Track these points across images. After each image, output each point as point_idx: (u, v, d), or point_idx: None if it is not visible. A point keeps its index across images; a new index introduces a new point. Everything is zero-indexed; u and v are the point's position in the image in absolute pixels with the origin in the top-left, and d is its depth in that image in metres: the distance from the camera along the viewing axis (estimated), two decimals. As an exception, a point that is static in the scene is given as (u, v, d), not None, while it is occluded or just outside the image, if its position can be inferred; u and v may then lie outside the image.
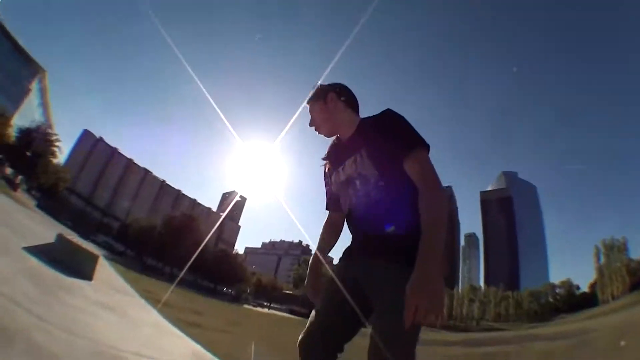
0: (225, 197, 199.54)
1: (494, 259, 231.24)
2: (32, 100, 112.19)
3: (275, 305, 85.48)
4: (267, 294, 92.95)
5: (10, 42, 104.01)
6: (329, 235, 2.37)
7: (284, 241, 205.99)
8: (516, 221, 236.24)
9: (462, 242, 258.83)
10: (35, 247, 8.90)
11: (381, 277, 1.81)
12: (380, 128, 1.92)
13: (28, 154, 53.95)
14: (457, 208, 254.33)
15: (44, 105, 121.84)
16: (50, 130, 65.63)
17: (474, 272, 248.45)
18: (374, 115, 2.03)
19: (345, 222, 2.23)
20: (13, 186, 43.43)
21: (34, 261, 6.90)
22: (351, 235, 2.15)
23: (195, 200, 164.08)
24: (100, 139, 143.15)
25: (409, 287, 1.52)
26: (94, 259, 9.70)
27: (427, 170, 1.79)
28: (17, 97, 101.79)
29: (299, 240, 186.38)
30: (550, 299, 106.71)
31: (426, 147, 1.83)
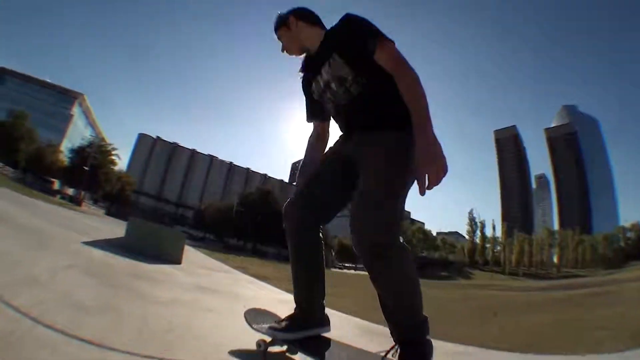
0: (296, 167, 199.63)
1: (567, 200, 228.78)
2: (77, 124, 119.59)
3: (361, 265, 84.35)
4: (351, 255, 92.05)
5: (36, 84, 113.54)
6: (315, 146, 2.49)
7: None
8: (583, 157, 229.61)
9: (534, 184, 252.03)
10: (104, 240, 7.36)
11: (371, 141, 1.98)
12: (346, 31, 2.05)
13: (86, 168, 54.52)
14: (524, 148, 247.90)
15: (91, 124, 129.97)
16: (103, 142, 67.34)
17: (548, 215, 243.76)
18: (336, 23, 2.13)
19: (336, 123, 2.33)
20: (77, 202, 44.43)
21: (97, 252, 5.20)
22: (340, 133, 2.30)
23: (265, 175, 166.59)
24: (158, 138, 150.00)
25: (417, 158, 1.66)
26: (178, 238, 7.89)
27: (396, 56, 1.93)
28: (60, 126, 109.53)
29: None
30: (622, 244, 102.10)
31: (387, 38, 1.96)
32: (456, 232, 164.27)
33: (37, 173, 58.83)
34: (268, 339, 2.12)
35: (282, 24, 2.30)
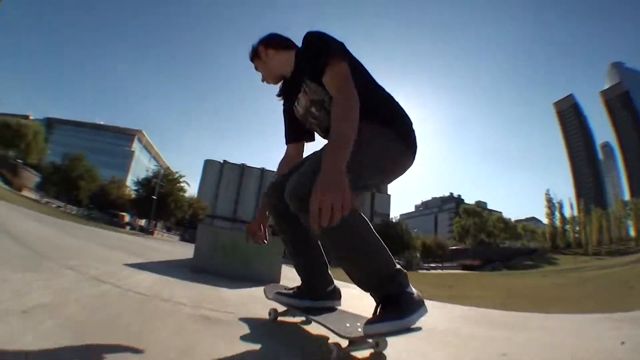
0: None
1: (634, 165, 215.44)
2: (139, 158, 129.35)
3: (447, 264, 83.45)
4: (434, 254, 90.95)
5: (89, 127, 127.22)
6: (287, 168, 2.44)
7: (435, 198, 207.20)
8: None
9: (600, 154, 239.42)
10: (162, 262, 5.75)
11: None
12: (306, 55, 2.09)
13: (154, 197, 56.44)
14: (586, 117, 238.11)
15: (154, 157, 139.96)
16: (169, 171, 69.85)
17: (618, 186, 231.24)
18: (301, 44, 2.18)
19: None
20: (148, 231, 47.26)
21: (141, 277, 3.37)
22: None
23: None
24: (225, 162, 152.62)
25: (316, 185, 1.57)
26: (274, 246, 5.74)
27: (339, 81, 1.90)
28: (123, 163, 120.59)
29: (450, 193, 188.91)
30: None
31: (338, 58, 1.94)
32: (533, 218, 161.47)
33: (104, 208, 62.43)
34: (280, 308, 2.29)
35: (254, 55, 2.36)
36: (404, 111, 2.10)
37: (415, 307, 1.70)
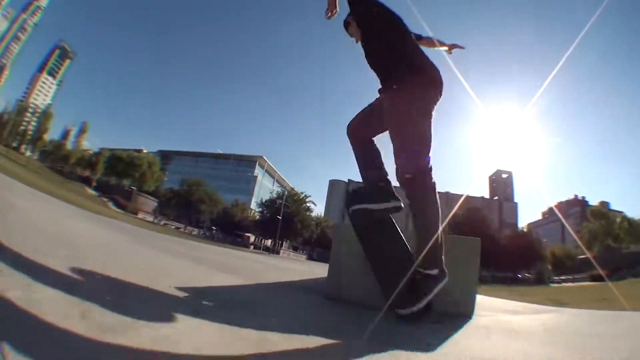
0: (492, 179, 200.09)
1: None
2: (263, 183, 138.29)
3: (577, 276, 75.01)
4: (564, 266, 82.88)
5: (207, 157, 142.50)
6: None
7: (560, 202, 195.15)
8: None
9: None
10: (257, 284, 4.26)
11: (384, 105, 2.89)
12: None
13: (279, 217, 58.44)
14: None
15: (277, 181, 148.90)
16: (294, 192, 73.27)
17: None
18: None
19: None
20: (274, 250, 49.94)
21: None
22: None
23: (463, 194, 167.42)
24: (350, 181, 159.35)
25: None
26: (470, 248, 3.44)
27: None
28: (247, 188, 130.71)
29: (574, 195, 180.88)
30: None
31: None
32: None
33: (228, 230, 66.60)
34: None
35: (346, 25, 3.26)
36: (424, 55, 2.86)
37: (429, 288, 2.38)
